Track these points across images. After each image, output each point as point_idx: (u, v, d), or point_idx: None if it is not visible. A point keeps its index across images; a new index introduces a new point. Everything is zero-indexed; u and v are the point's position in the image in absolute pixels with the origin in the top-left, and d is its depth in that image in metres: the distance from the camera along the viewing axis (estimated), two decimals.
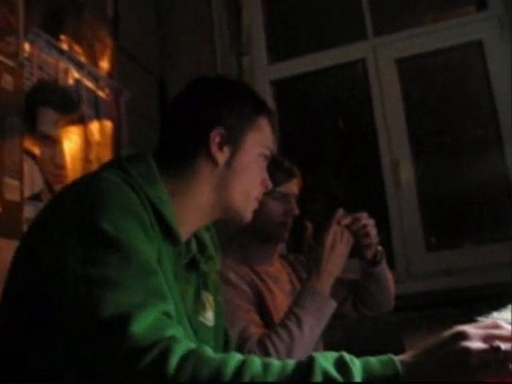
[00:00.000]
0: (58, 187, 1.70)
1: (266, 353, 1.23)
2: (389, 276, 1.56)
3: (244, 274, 1.47)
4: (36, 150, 1.67)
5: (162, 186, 0.92)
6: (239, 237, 1.56)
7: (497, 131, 2.22)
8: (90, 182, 0.84)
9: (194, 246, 1.02)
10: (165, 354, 0.66)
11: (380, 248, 1.50)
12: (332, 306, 1.32)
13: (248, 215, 1.04)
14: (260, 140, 1.03)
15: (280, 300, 1.50)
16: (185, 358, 0.66)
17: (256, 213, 1.50)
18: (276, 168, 1.51)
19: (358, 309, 1.61)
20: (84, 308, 0.71)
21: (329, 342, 1.55)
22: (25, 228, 1.54)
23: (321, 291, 1.31)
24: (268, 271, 1.54)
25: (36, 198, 1.62)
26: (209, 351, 0.68)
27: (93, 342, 0.70)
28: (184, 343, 0.68)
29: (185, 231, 0.96)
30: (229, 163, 0.99)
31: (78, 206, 0.80)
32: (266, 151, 1.04)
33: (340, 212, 1.40)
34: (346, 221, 1.39)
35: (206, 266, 1.03)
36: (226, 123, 0.98)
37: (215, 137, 0.97)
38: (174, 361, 0.65)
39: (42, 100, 1.73)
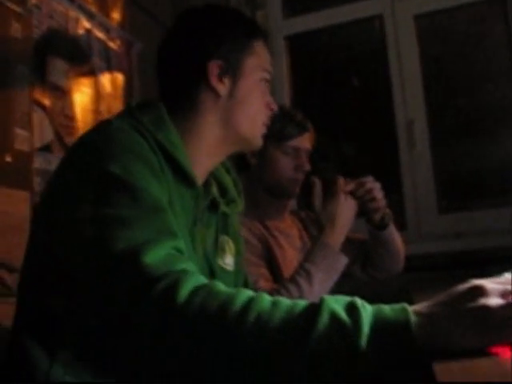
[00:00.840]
0: (68, 139, 1.69)
1: None
2: (397, 239, 1.53)
3: (254, 228, 1.46)
4: (46, 101, 1.65)
5: (173, 129, 0.92)
6: (250, 192, 1.53)
7: None
8: (99, 131, 0.86)
9: (214, 189, 1.02)
10: (175, 284, 0.67)
11: (388, 210, 1.47)
12: (343, 261, 1.31)
13: (259, 141, 1.03)
14: (258, 64, 1.01)
15: (290, 255, 1.49)
16: (195, 291, 0.66)
17: (267, 167, 1.50)
18: (288, 121, 1.48)
19: (366, 271, 1.60)
20: (96, 246, 0.73)
21: None
22: (35, 179, 1.55)
23: (333, 246, 1.30)
24: (279, 227, 1.53)
25: (46, 148, 1.61)
26: (220, 286, 0.69)
27: (106, 276, 0.71)
28: (195, 277, 0.69)
29: (201, 171, 0.97)
30: (231, 93, 0.97)
31: (88, 153, 0.83)
32: (266, 75, 1.03)
33: (341, 180, 1.37)
34: (349, 187, 1.37)
35: (228, 209, 1.04)
36: (222, 53, 0.96)
37: (213, 69, 0.96)
38: (184, 292, 0.66)
39: (51, 49, 1.70)
